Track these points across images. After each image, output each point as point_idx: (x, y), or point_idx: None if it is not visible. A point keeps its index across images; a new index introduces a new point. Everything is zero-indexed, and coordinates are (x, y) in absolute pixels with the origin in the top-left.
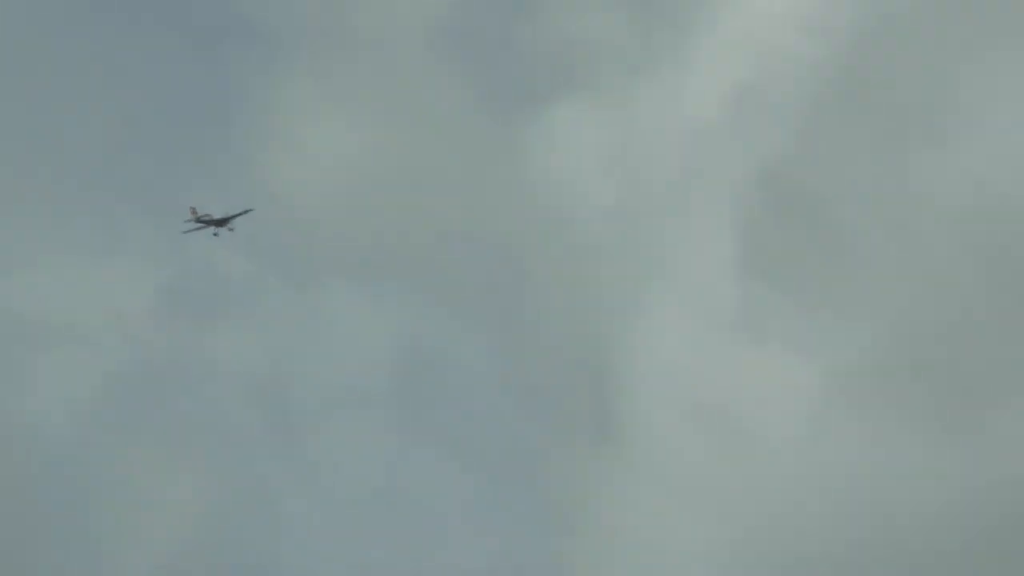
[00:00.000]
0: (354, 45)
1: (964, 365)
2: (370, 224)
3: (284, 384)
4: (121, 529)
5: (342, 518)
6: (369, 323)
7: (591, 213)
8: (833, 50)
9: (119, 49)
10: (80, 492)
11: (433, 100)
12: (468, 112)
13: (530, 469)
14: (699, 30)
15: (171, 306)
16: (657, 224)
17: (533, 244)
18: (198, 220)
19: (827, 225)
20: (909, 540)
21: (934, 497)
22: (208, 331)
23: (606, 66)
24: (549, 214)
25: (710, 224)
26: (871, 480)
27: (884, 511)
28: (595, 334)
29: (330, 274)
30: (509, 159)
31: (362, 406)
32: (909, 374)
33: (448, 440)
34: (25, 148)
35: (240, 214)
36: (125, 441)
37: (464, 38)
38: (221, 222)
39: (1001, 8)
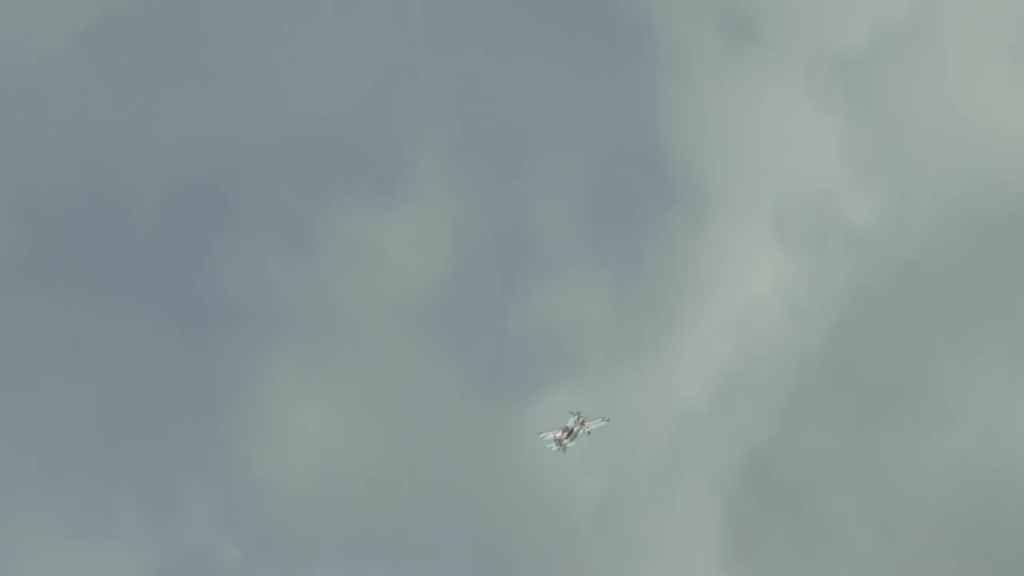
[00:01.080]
0: (339, 330)
1: None
2: (357, 510)
3: None
4: None
5: None
6: None
7: (577, 500)
8: (816, 337)
9: (107, 331)
10: None
11: (418, 385)
12: (453, 397)
13: None
14: (683, 317)
15: None
16: (643, 512)
17: (520, 531)
18: (559, 440)
19: (811, 515)
20: None
21: None
22: None
23: (592, 352)
24: (536, 501)
25: (695, 513)
26: None
27: None
28: None
29: (318, 560)
30: (495, 445)
31: None
32: None
33: None
34: (12, 429)
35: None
36: None
37: (450, 323)
38: (574, 433)
39: (981, 294)
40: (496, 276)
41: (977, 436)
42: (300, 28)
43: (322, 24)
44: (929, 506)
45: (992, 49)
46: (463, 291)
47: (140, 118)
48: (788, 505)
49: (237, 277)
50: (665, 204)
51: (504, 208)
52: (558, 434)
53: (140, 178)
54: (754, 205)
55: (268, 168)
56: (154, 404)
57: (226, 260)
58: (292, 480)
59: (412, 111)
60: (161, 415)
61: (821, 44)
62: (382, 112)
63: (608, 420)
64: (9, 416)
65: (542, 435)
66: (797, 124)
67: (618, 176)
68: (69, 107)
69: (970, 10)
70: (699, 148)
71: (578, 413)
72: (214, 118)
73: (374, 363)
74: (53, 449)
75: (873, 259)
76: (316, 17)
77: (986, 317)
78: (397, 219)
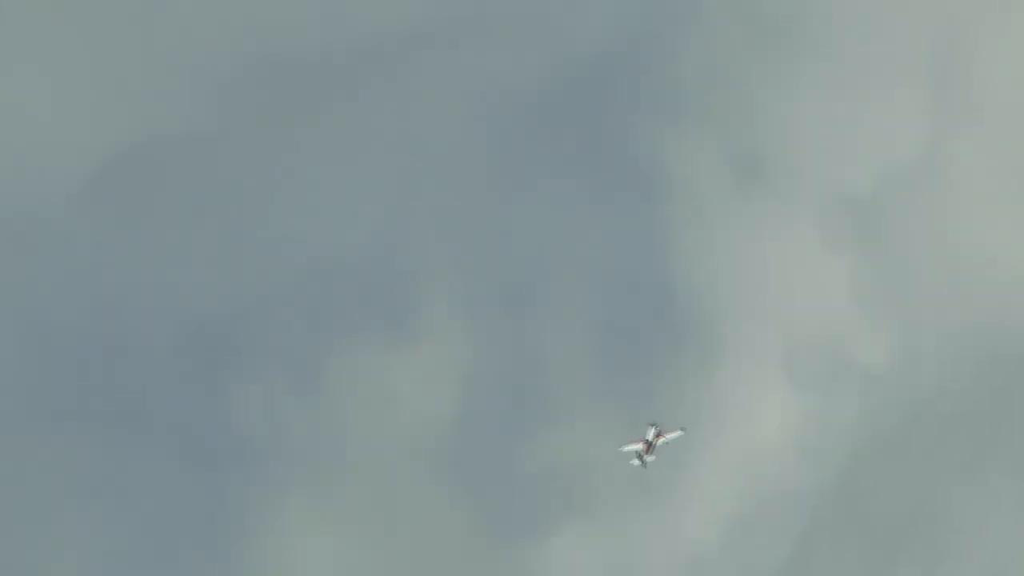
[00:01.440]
0: (350, 469)
1: None
2: None
3: None
4: None
5: None
6: None
7: None
8: (826, 476)
9: (118, 470)
10: None
11: (428, 524)
12: (463, 537)
13: None
14: (693, 457)
15: None
16: None
17: None
18: (640, 454)
19: None
20: None
21: None
22: None
23: (603, 491)
24: None
25: None
26: None
27: None
28: None
29: None
30: None
31: None
32: None
33: None
34: (21, 565)
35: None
36: None
37: (460, 461)
38: (653, 445)
39: (992, 434)
40: (507, 415)
41: (992, 572)
42: (307, 167)
43: (331, 161)
44: None
45: (1003, 188)
46: (473, 429)
47: (149, 260)
48: None
49: (248, 415)
50: (674, 343)
51: (514, 346)
52: (639, 447)
53: (149, 319)
54: (763, 344)
55: (278, 307)
56: (164, 542)
57: (236, 398)
58: None
59: (421, 249)
60: (171, 553)
61: (831, 182)
62: (391, 250)
63: (685, 430)
64: (18, 551)
65: (623, 449)
66: (806, 262)
67: (627, 314)
68: (78, 248)
69: (980, 149)
70: (708, 286)
71: (656, 424)
72: (223, 257)
73: (384, 502)
74: None
75: (883, 399)
76: (325, 154)
77: (997, 457)
78: (407, 357)
